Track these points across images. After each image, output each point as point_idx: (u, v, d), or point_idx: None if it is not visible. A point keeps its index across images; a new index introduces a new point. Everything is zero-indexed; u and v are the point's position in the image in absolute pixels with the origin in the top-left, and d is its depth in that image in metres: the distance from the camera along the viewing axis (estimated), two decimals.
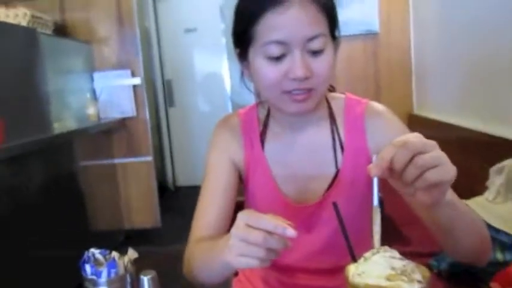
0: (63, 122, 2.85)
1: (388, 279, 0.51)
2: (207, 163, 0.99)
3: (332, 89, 1.02)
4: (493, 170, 1.53)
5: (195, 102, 5.16)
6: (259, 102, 1.03)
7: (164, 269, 0.75)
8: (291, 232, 0.61)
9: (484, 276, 1.26)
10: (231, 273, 0.82)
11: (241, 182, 1.01)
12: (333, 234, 0.93)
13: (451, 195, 0.68)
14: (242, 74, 0.95)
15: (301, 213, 0.93)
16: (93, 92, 3.37)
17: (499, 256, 1.28)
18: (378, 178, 0.59)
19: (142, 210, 3.52)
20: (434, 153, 0.57)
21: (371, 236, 0.96)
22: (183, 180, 5.26)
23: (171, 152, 5.26)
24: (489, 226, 1.28)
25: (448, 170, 0.57)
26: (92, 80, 3.37)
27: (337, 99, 0.98)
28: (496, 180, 1.49)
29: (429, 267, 1.57)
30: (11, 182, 2.10)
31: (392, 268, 0.53)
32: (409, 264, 0.54)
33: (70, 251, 2.44)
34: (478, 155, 2.03)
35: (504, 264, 1.20)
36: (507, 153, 1.60)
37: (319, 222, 0.94)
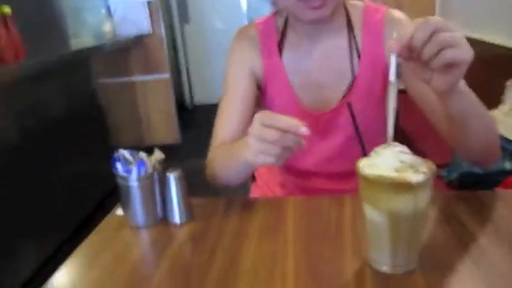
0: (80, 39, 2.86)
1: (397, 170, 0.55)
2: (226, 72, 1.02)
3: None
4: (509, 83, 1.53)
5: (211, 19, 5.05)
6: (277, 12, 1.03)
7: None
8: (303, 130, 0.64)
9: (491, 184, 1.32)
10: (250, 173, 0.87)
11: (259, 91, 1.04)
12: (348, 140, 0.97)
13: (465, 87, 0.69)
14: None
15: (317, 120, 0.97)
16: (108, 8, 3.33)
17: (508, 165, 1.32)
18: (396, 56, 0.60)
19: (161, 127, 3.62)
20: (454, 33, 0.58)
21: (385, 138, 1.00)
22: (200, 98, 5.31)
23: (187, 71, 5.25)
24: (501, 137, 1.31)
25: (466, 50, 0.58)
26: None
27: (356, 6, 0.97)
28: (511, 93, 1.49)
29: (441, 177, 1.63)
30: (33, 99, 2.16)
31: (401, 161, 0.57)
32: (417, 159, 0.58)
33: (93, 166, 2.57)
34: (499, 71, 2.00)
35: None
36: None
37: (335, 129, 0.98)
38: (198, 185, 1.12)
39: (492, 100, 1.65)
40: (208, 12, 5.03)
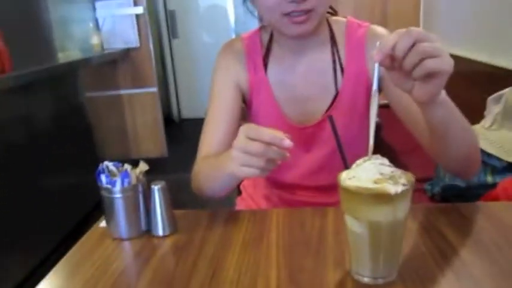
0: (68, 53, 2.86)
1: (376, 182, 0.56)
2: (212, 85, 1.03)
3: (334, 12, 1.03)
4: (490, 99, 1.56)
5: (199, 34, 5.09)
6: (262, 27, 1.04)
7: (171, 194, 0.81)
8: (287, 142, 0.66)
9: (473, 198, 1.34)
10: (234, 185, 0.88)
11: (245, 104, 1.05)
12: (331, 153, 0.99)
13: (446, 98, 0.71)
14: None
15: (301, 134, 0.98)
16: (96, 21, 3.34)
17: (489, 179, 1.34)
18: (379, 65, 0.62)
19: (148, 140, 3.61)
20: (436, 44, 0.59)
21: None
22: (187, 112, 5.31)
23: (175, 85, 5.27)
24: (482, 152, 1.34)
25: (446, 61, 0.60)
26: (94, 9, 3.32)
27: (339, 22, 1.00)
28: (493, 108, 1.52)
29: (424, 191, 1.65)
30: (20, 112, 2.15)
31: (381, 173, 0.58)
32: (397, 171, 0.59)
33: (80, 178, 2.54)
34: (479, 86, 2.05)
35: (493, 186, 1.27)
36: (507, 83, 1.62)
37: (318, 142, 0.99)
38: (185, 198, 1.12)
39: (475, 115, 1.68)
40: (197, 27, 5.07)
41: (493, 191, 1.18)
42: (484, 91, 1.75)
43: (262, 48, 1.02)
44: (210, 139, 0.98)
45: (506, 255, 0.67)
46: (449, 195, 1.48)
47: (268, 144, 0.67)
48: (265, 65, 1.01)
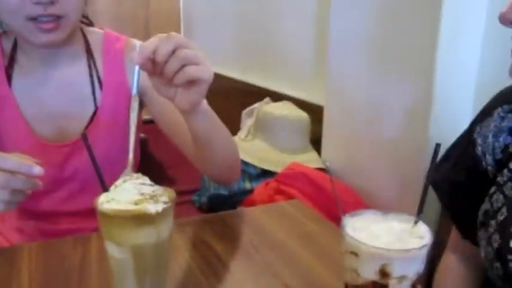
0: None
1: (136, 203, 0.54)
2: None
3: (89, 23, 0.97)
4: (244, 112, 1.73)
5: None
6: (3, 33, 0.91)
7: None
8: (36, 169, 0.58)
9: (236, 203, 1.45)
10: None
11: None
12: (92, 174, 0.91)
13: (208, 107, 0.73)
14: None
15: (58, 154, 0.89)
16: None
17: (248, 185, 1.48)
18: (139, 69, 0.60)
19: None
20: (196, 51, 0.60)
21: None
22: None
23: None
24: (241, 161, 1.46)
25: (207, 70, 0.61)
26: None
27: (95, 33, 0.95)
28: (247, 121, 1.69)
29: (192, 203, 1.70)
30: None
31: (142, 194, 0.55)
32: (158, 189, 0.57)
33: None
34: (235, 101, 2.25)
35: (251, 191, 1.40)
36: (258, 98, 1.82)
37: (77, 162, 0.91)
38: None
39: (232, 128, 1.83)
40: None
41: (251, 196, 1.30)
42: (239, 106, 1.93)
43: (4, 58, 0.88)
44: None
45: (262, 255, 0.73)
46: (215, 204, 1.57)
47: (13, 172, 0.57)
48: (9, 78, 0.87)
